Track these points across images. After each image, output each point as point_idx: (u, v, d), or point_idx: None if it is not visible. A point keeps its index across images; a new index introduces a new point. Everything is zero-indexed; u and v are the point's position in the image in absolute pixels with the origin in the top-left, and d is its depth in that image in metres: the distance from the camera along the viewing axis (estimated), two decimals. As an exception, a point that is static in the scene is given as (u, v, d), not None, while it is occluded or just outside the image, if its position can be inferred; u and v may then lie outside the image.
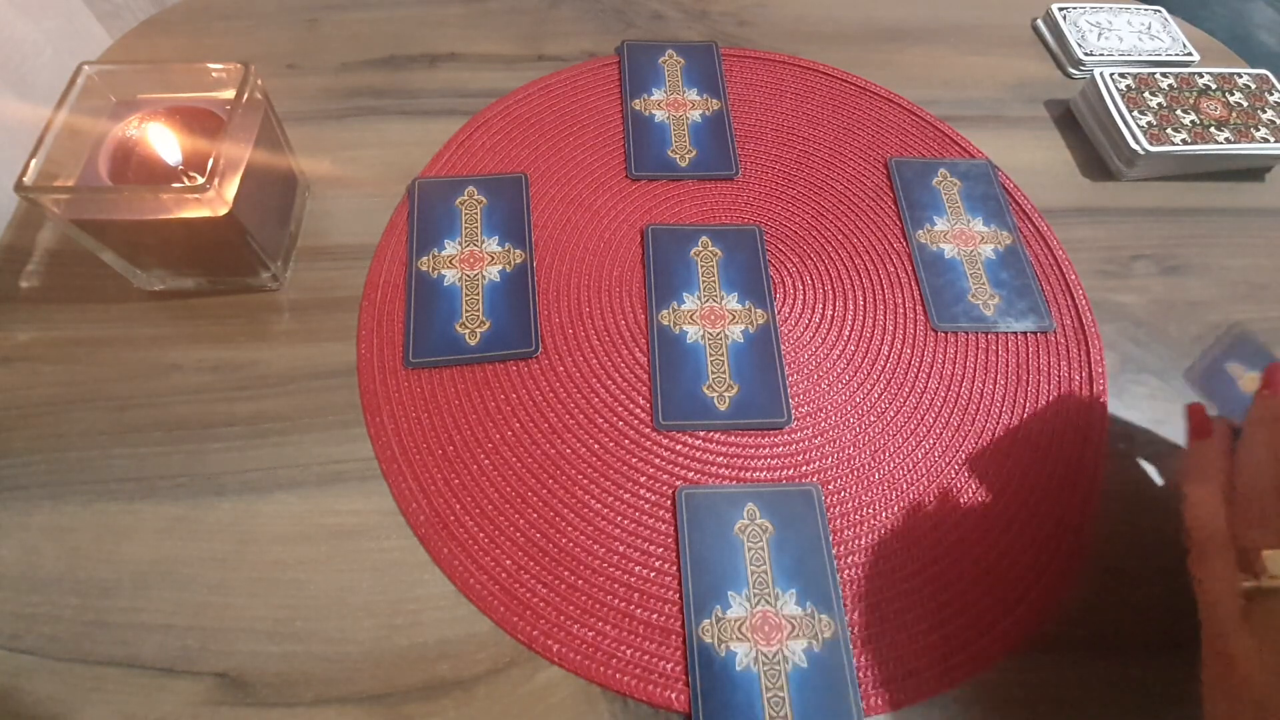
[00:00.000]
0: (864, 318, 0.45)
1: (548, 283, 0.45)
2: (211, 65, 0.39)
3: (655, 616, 0.35)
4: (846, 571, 0.37)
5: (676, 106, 0.53)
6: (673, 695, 0.33)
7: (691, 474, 0.39)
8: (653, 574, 0.36)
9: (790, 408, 0.41)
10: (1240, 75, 0.55)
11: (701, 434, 0.40)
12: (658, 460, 0.39)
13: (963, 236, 0.48)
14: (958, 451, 0.40)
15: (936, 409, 0.42)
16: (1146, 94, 0.53)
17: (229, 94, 0.39)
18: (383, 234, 0.46)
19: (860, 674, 0.34)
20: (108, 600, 0.34)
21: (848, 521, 0.38)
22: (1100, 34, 0.60)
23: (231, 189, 0.36)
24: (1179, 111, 0.52)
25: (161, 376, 0.40)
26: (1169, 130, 0.51)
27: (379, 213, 0.47)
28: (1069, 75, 0.58)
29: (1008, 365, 0.44)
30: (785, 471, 0.39)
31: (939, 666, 0.35)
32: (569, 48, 0.57)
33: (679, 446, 0.40)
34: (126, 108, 0.40)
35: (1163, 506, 0.39)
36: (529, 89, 0.54)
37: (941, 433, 0.41)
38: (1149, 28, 0.61)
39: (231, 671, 0.33)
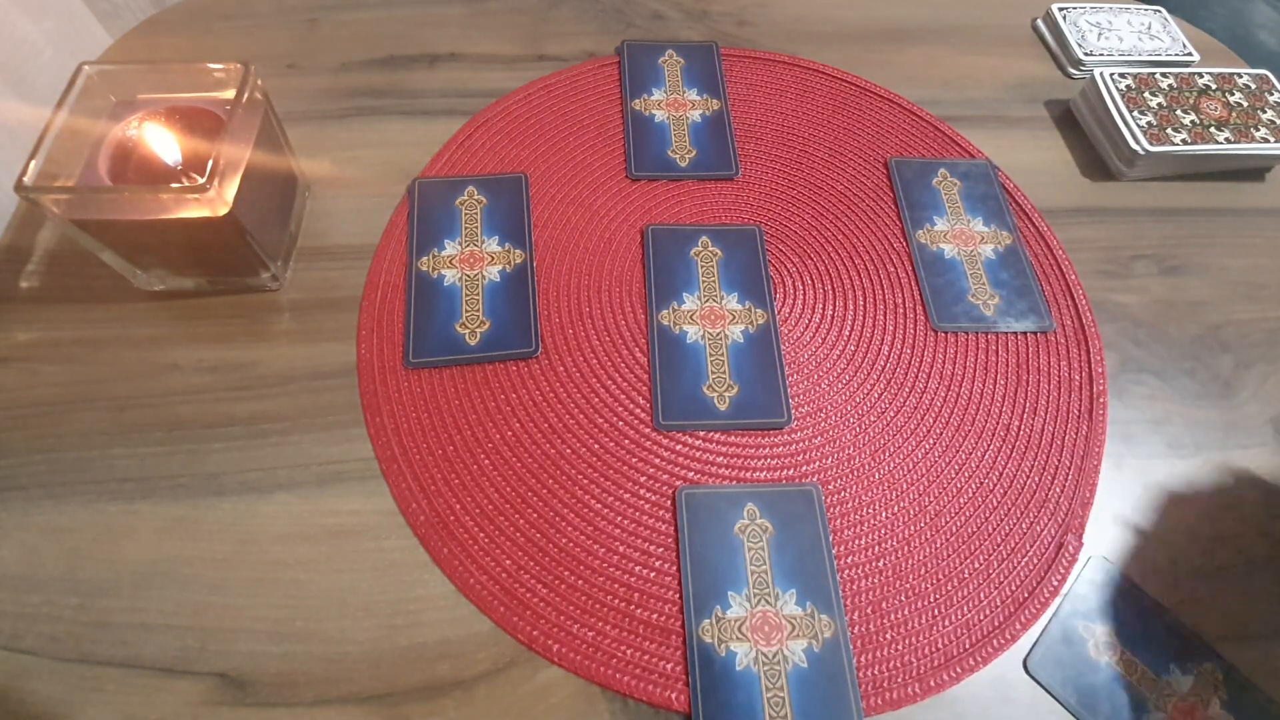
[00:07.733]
0: (864, 318, 0.45)
1: (548, 283, 0.45)
2: (211, 65, 0.39)
3: (655, 616, 0.35)
4: (846, 571, 0.37)
5: (676, 106, 0.53)
6: (673, 695, 0.33)
7: (691, 474, 0.39)
8: (653, 574, 0.36)
9: (790, 408, 0.41)
10: (1240, 75, 0.55)
11: (701, 434, 0.40)
12: (658, 460, 0.39)
13: (963, 236, 0.48)
14: (958, 451, 0.40)
15: (936, 409, 0.42)
16: (1146, 94, 0.53)
17: (229, 94, 0.39)
18: (383, 234, 0.46)
19: (860, 674, 0.34)
20: (108, 600, 0.34)
21: (848, 521, 0.38)
22: (1100, 34, 0.60)
23: (231, 189, 0.36)
24: (1179, 111, 0.52)
25: (161, 376, 0.40)
26: (1169, 130, 0.51)
27: (379, 213, 0.47)
28: (1069, 75, 0.58)
29: (1008, 365, 0.44)
30: (785, 471, 0.39)
31: (939, 666, 0.35)
32: (569, 48, 0.57)
33: (679, 446, 0.40)
34: (126, 108, 0.40)
35: (1163, 507, 0.39)
36: (529, 89, 0.54)
37: (941, 433, 0.41)
38: (1149, 28, 0.60)
39: (231, 671, 0.33)
